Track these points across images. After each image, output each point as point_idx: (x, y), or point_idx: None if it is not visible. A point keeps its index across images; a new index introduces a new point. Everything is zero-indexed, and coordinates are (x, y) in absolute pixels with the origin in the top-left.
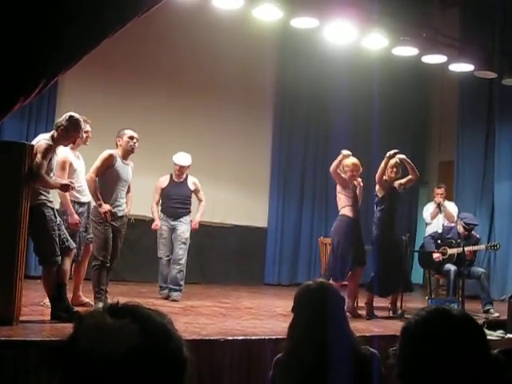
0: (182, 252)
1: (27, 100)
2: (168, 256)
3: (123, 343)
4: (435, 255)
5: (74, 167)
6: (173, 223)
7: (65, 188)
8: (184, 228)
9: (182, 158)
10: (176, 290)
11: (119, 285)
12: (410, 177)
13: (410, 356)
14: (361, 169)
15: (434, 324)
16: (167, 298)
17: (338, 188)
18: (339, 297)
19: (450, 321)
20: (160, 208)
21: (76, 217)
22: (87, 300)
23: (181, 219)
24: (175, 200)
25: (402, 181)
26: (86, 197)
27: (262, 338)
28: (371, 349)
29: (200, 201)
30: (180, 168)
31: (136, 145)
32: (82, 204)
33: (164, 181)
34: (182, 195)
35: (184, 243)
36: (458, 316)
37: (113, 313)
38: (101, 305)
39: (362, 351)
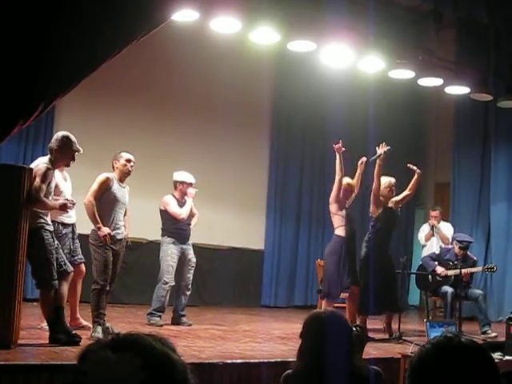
0: (192, 277)
1: (26, 123)
2: (173, 281)
3: (128, 382)
4: (440, 269)
5: (61, 189)
6: (184, 247)
7: (63, 207)
8: (192, 252)
9: (190, 176)
10: (185, 315)
11: (116, 307)
12: (406, 192)
13: None
14: None
15: (443, 354)
16: (160, 325)
17: (334, 208)
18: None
19: (458, 350)
20: (166, 232)
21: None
22: (86, 323)
23: (188, 242)
24: (186, 222)
25: (398, 198)
26: (71, 218)
27: (261, 361)
28: (373, 367)
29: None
30: (188, 186)
31: (132, 168)
32: (66, 225)
33: (175, 202)
34: (182, 220)
35: (193, 267)
36: (467, 345)
37: (115, 347)
38: (99, 329)
39: (364, 375)
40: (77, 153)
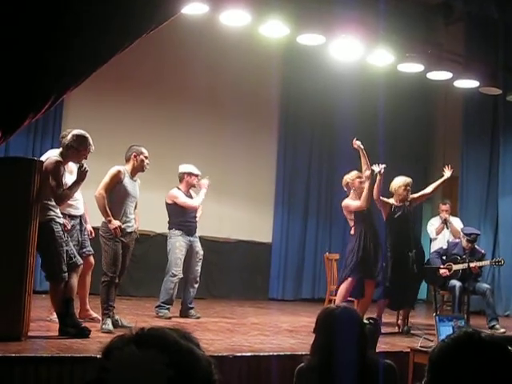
0: (200, 270)
1: (36, 116)
2: (181, 274)
3: (154, 379)
4: (442, 271)
5: (67, 181)
6: (191, 239)
7: (82, 175)
8: (199, 244)
9: (195, 168)
10: (193, 308)
11: (124, 299)
12: (427, 191)
13: (438, 380)
14: None
15: (463, 349)
16: (169, 318)
17: (350, 216)
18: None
19: (478, 346)
20: (173, 225)
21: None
22: (96, 315)
23: (195, 234)
24: (192, 215)
25: (416, 195)
26: (78, 210)
27: (271, 354)
28: (387, 361)
29: None
30: (195, 178)
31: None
32: (73, 217)
33: (182, 194)
34: (195, 209)
35: (201, 259)
36: (487, 341)
37: (140, 343)
38: (109, 321)
39: (378, 369)
40: (90, 152)
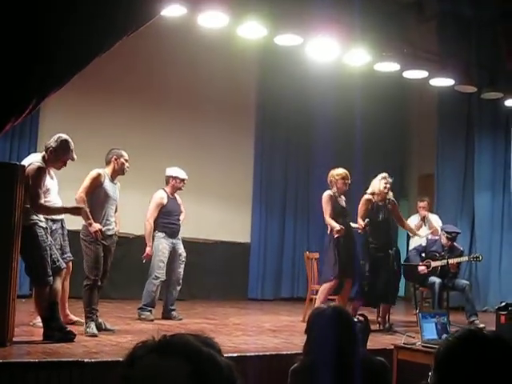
0: (182, 272)
1: (18, 120)
2: (164, 276)
3: None
4: (420, 268)
5: (48, 186)
6: (174, 242)
7: (75, 212)
8: (182, 246)
9: (183, 172)
10: (175, 310)
11: (104, 302)
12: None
13: (445, 379)
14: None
15: (469, 347)
16: (151, 320)
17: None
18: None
19: (483, 343)
20: (157, 227)
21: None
22: (76, 318)
23: (178, 237)
24: (176, 217)
25: (399, 214)
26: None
27: (257, 354)
28: (379, 358)
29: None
30: (181, 182)
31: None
32: (55, 221)
33: (163, 197)
34: (178, 211)
35: (184, 262)
36: (491, 338)
37: (162, 351)
38: (93, 324)
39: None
40: (70, 160)
